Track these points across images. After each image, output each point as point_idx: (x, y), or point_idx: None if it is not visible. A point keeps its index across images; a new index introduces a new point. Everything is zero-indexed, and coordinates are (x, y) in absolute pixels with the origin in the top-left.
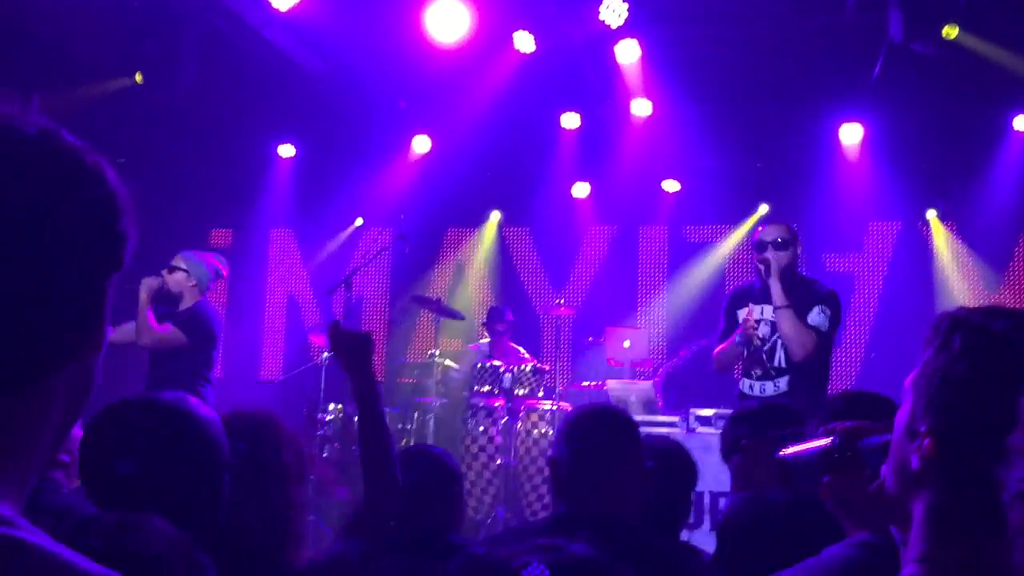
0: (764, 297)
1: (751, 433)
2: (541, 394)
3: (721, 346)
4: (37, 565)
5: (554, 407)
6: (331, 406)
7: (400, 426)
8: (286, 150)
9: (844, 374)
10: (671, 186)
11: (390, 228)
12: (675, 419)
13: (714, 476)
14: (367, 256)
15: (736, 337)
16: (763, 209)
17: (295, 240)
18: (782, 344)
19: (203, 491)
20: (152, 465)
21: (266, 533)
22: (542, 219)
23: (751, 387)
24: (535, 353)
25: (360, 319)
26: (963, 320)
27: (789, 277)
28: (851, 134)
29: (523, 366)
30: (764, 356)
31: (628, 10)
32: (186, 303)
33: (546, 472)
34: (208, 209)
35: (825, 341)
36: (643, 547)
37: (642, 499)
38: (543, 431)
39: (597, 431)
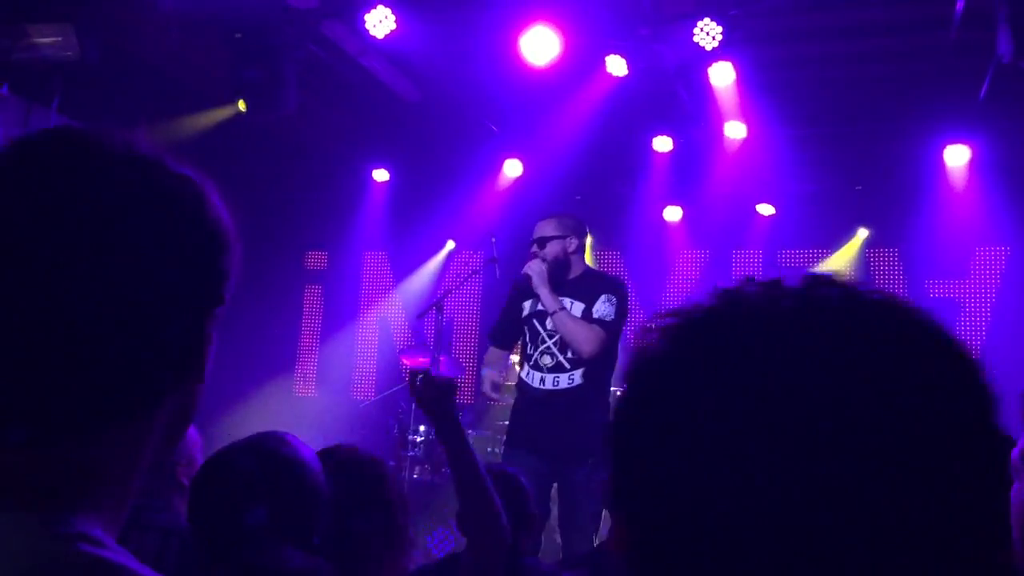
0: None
1: None
2: None
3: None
4: None
5: None
6: (421, 428)
7: (489, 449)
8: (380, 174)
9: None
10: (766, 210)
11: (481, 251)
12: None
13: None
14: (458, 279)
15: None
16: (862, 233)
17: (388, 263)
18: None
19: (293, 527)
20: (266, 511)
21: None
22: (634, 243)
23: (542, 380)
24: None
25: (451, 341)
26: None
27: (561, 270)
28: (957, 156)
29: (615, 391)
30: (555, 348)
31: (722, 32)
32: None
33: None
34: (304, 232)
35: (613, 331)
36: None
37: None
38: None
39: None
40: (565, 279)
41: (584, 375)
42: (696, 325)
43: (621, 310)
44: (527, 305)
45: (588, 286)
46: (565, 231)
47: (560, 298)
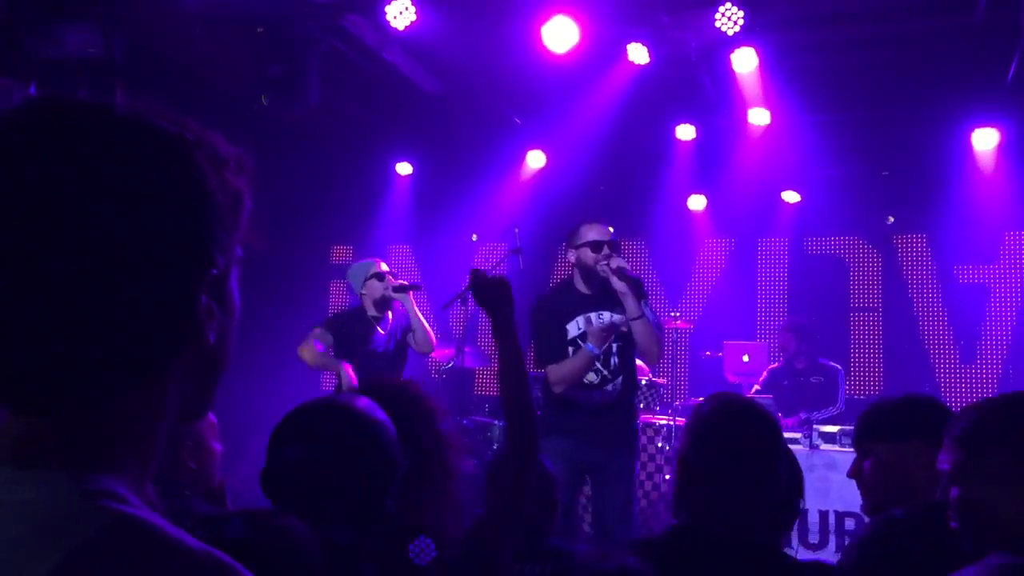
0: (594, 303)
1: (891, 433)
2: (657, 408)
3: (568, 367)
4: (145, 540)
5: (670, 422)
6: None
7: None
8: (404, 168)
9: (981, 391)
10: (791, 197)
11: (505, 243)
12: (797, 435)
13: (839, 495)
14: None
15: (591, 348)
16: (889, 220)
17: (412, 255)
18: (616, 349)
19: (373, 492)
20: (328, 465)
21: (427, 508)
22: (658, 232)
23: (588, 396)
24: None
25: (476, 332)
26: None
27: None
28: (985, 139)
29: (640, 380)
30: (599, 363)
31: (744, 17)
32: (382, 310)
33: (663, 488)
34: (329, 226)
35: None
36: (779, 571)
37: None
38: (659, 445)
39: (745, 434)
40: (609, 287)
41: (623, 382)
42: None
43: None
44: (571, 327)
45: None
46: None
47: (601, 312)
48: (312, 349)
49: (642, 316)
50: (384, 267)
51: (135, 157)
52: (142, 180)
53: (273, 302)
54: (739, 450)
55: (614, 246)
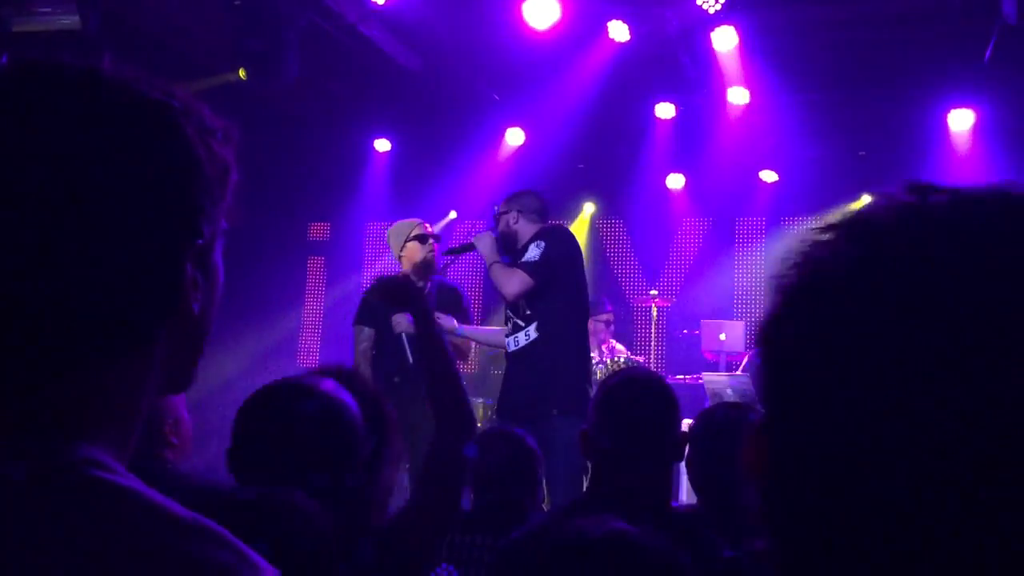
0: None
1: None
2: None
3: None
4: (134, 508)
5: None
6: None
7: (492, 415)
8: (382, 144)
9: None
10: (769, 176)
11: (484, 220)
12: None
13: None
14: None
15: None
16: (865, 199)
17: None
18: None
19: (334, 470)
20: (290, 442)
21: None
22: (636, 211)
23: (509, 342)
24: (628, 345)
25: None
26: None
27: (511, 241)
28: (961, 120)
29: (616, 358)
30: (510, 310)
31: None
32: (423, 277)
33: None
34: (306, 203)
35: (538, 272)
36: (669, 527)
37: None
38: None
39: (627, 400)
40: (515, 248)
41: (537, 328)
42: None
43: (549, 252)
44: None
45: (528, 243)
46: (508, 207)
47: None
48: (366, 365)
49: (493, 263)
50: (429, 228)
51: (122, 123)
52: (129, 146)
53: (249, 279)
54: (638, 419)
55: (495, 217)
